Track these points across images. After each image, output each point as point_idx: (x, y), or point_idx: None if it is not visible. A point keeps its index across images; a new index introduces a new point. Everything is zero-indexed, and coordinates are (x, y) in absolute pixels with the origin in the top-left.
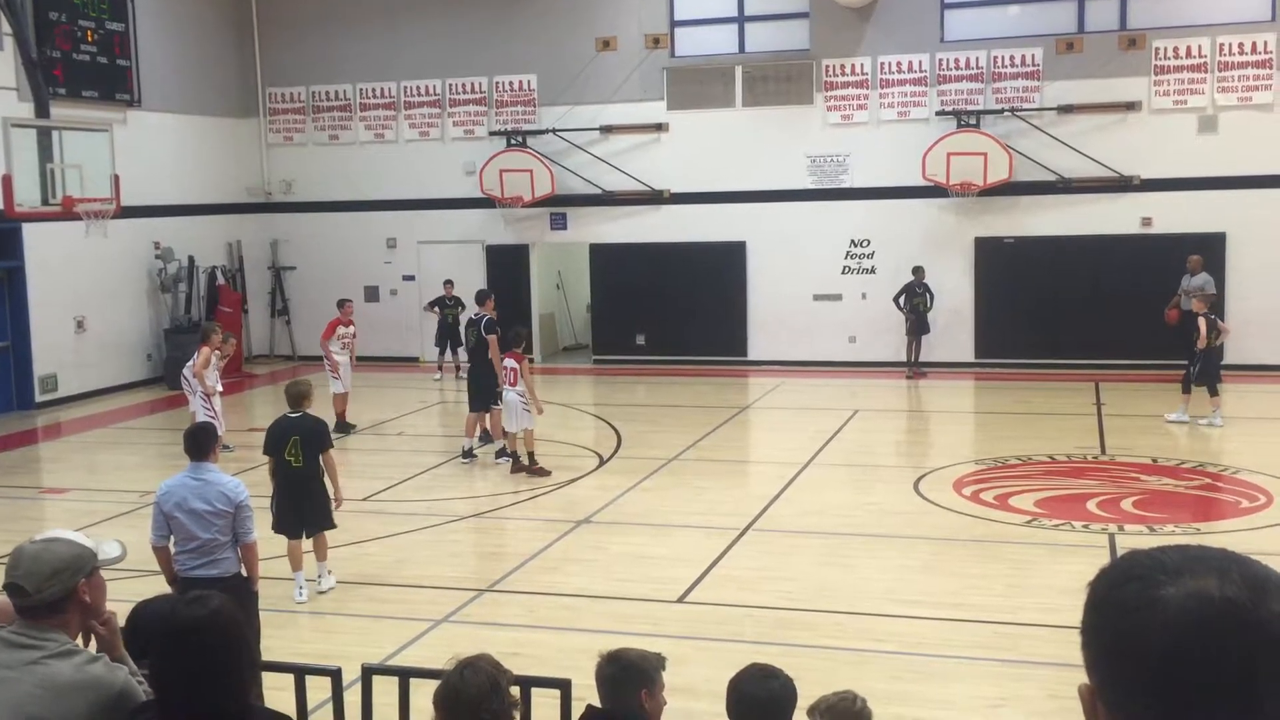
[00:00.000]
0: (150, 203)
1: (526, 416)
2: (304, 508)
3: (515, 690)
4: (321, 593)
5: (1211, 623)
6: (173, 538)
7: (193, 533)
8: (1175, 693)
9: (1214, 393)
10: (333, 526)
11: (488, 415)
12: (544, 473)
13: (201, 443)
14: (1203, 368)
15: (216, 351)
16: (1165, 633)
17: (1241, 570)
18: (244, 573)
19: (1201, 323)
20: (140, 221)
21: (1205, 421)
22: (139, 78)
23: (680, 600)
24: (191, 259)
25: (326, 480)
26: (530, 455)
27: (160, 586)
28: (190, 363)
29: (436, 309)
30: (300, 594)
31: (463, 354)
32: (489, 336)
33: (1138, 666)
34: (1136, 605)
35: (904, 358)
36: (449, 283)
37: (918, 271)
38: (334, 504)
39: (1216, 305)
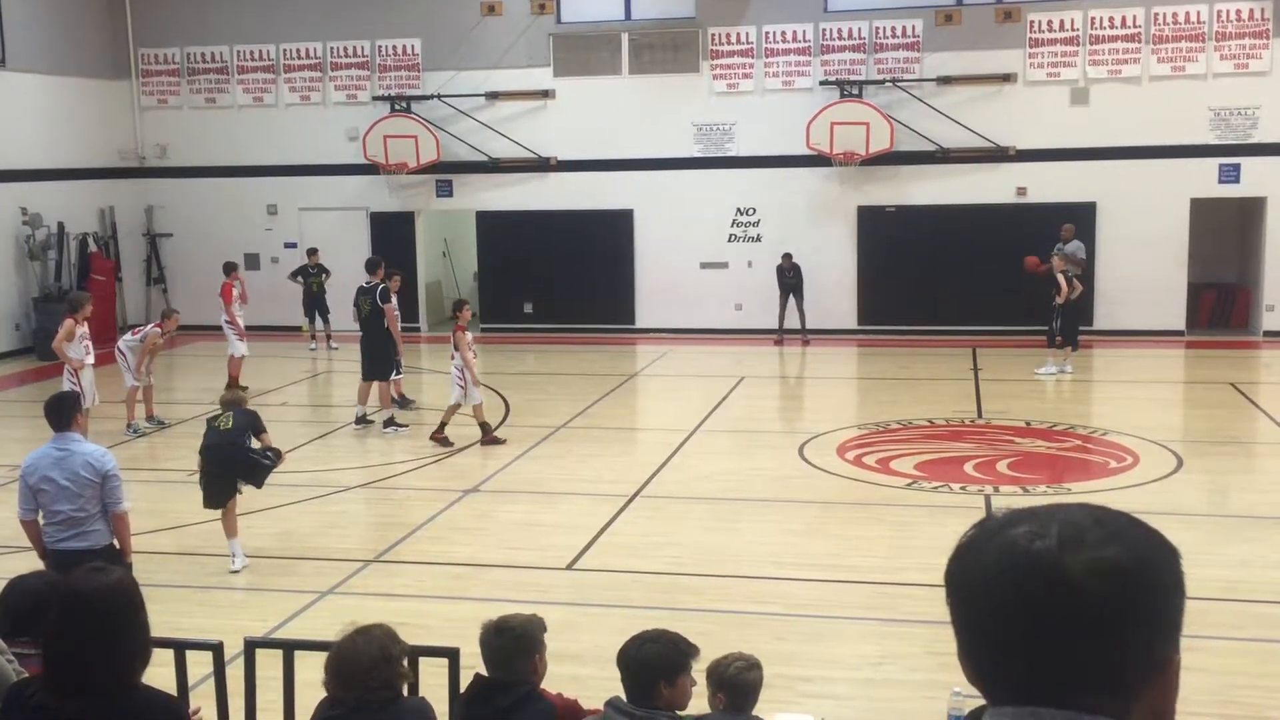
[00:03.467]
0: (16, 166)
1: (457, 391)
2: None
3: (407, 662)
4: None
5: (1012, 570)
6: (41, 511)
7: (59, 505)
8: (986, 639)
9: (1074, 348)
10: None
11: (377, 385)
12: (446, 444)
13: (63, 413)
14: (1064, 322)
15: (166, 333)
16: (975, 580)
17: (1068, 521)
18: (116, 544)
19: (1061, 278)
20: (6, 186)
21: (1059, 370)
22: (3, 36)
23: (569, 567)
24: (61, 225)
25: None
26: (484, 426)
27: (33, 562)
28: (126, 335)
29: (300, 279)
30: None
31: (334, 322)
32: (384, 306)
33: (959, 614)
34: (967, 554)
35: (789, 325)
36: (313, 251)
37: (786, 257)
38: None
39: (1086, 271)
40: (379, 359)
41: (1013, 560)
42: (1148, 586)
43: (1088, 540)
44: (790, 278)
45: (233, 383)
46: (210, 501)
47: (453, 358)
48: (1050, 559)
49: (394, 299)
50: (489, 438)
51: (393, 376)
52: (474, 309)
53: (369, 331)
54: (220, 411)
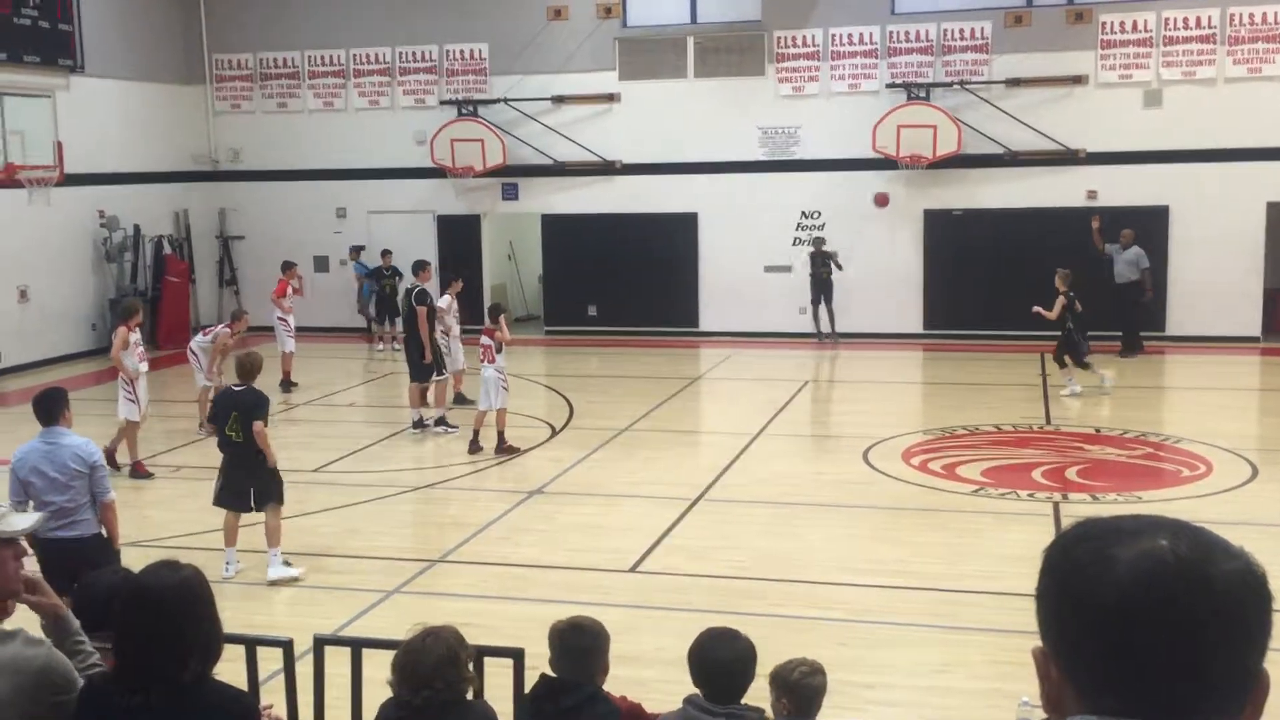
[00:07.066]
0: (94, 170)
1: (502, 395)
2: (250, 482)
3: (472, 666)
4: (272, 583)
5: (1161, 578)
6: (30, 503)
7: (49, 497)
8: (1125, 648)
9: (1062, 365)
10: (280, 501)
11: (433, 386)
12: (514, 450)
13: (50, 408)
14: (1069, 337)
15: (237, 334)
16: (1116, 588)
17: (1192, 534)
18: (104, 533)
19: (1060, 301)
20: (84, 189)
21: (1077, 389)
22: (82, 43)
23: (631, 570)
24: (137, 228)
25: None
26: (500, 434)
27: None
28: (197, 336)
29: (374, 280)
30: (228, 569)
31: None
32: (418, 308)
33: (1089, 623)
34: (1089, 563)
35: (854, 330)
36: (387, 253)
37: (817, 243)
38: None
39: (1158, 275)
40: (418, 361)
41: (1160, 569)
42: (1269, 595)
43: (1223, 551)
44: (822, 270)
45: (285, 378)
46: (223, 499)
47: (492, 360)
48: (1199, 569)
49: (432, 300)
50: (505, 446)
51: (435, 378)
52: (537, 311)
53: (410, 333)
54: (231, 391)
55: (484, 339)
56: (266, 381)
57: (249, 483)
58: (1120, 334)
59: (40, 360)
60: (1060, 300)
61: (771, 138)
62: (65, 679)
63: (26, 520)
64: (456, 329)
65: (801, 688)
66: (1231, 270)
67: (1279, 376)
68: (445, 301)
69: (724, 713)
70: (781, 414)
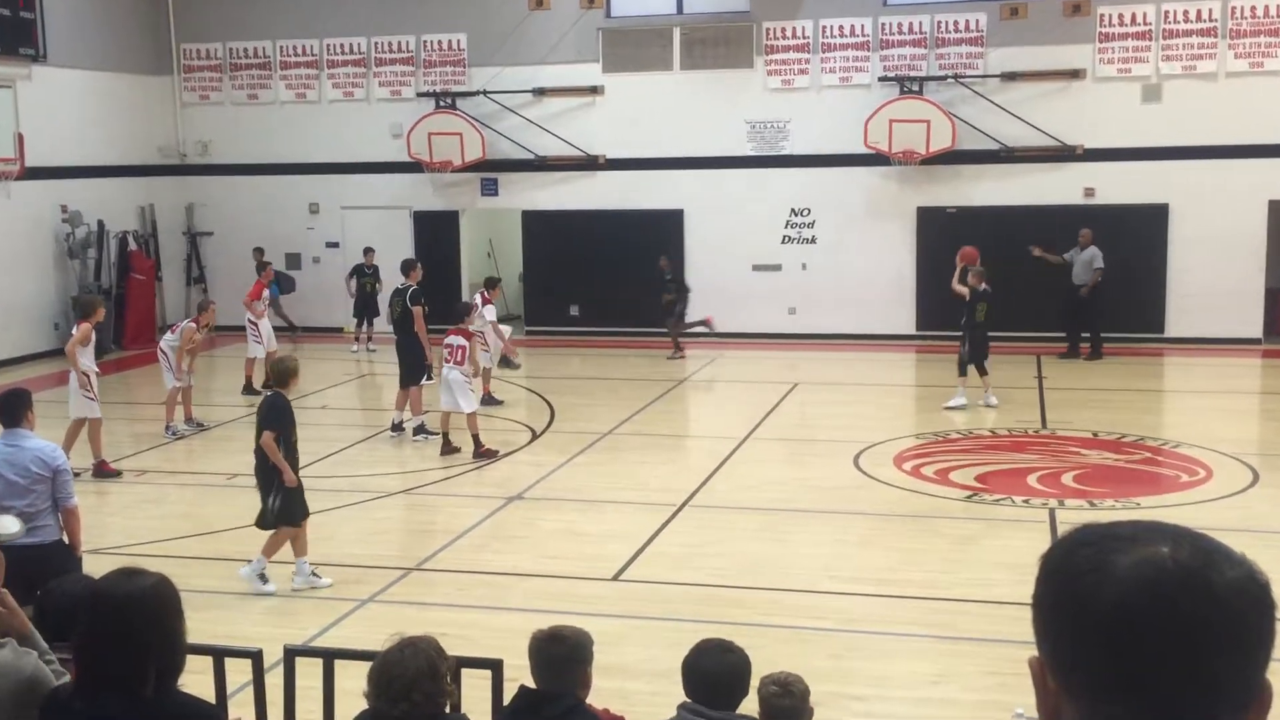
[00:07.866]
0: (57, 163)
1: (470, 398)
2: (262, 493)
3: (451, 678)
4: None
5: (1161, 585)
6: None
7: (9, 501)
8: (1124, 657)
9: (983, 371)
10: (263, 526)
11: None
12: (492, 454)
13: (12, 409)
14: (975, 346)
15: (204, 326)
16: (1115, 595)
17: (1193, 540)
18: (65, 540)
19: (964, 288)
20: (46, 183)
21: (983, 402)
22: (44, 31)
23: (615, 578)
24: (101, 223)
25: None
26: (475, 438)
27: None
28: (166, 335)
29: (354, 279)
30: (295, 580)
31: (379, 325)
32: (414, 308)
33: (1087, 632)
34: (1087, 570)
35: (845, 331)
36: (369, 251)
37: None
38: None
39: (1157, 275)
40: (412, 364)
41: (1156, 575)
42: (1273, 604)
43: (1225, 558)
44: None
45: (247, 383)
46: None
47: (462, 362)
48: (1201, 576)
49: (424, 301)
50: (452, 448)
51: (423, 381)
52: (518, 311)
53: (401, 334)
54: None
55: (454, 339)
56: (230, 385)
57: (262, 494)
58: (1085, 336)
59: (0, 360)
60: (965, 288)
61: (760, 132)
62: (42, 690)
63: (13, 525)
64: (507, 330)
65: (768, 706)
66: (1232, 270)
67: None
68: (492, 312)
69: (719, 718)
70: (769, 417)
